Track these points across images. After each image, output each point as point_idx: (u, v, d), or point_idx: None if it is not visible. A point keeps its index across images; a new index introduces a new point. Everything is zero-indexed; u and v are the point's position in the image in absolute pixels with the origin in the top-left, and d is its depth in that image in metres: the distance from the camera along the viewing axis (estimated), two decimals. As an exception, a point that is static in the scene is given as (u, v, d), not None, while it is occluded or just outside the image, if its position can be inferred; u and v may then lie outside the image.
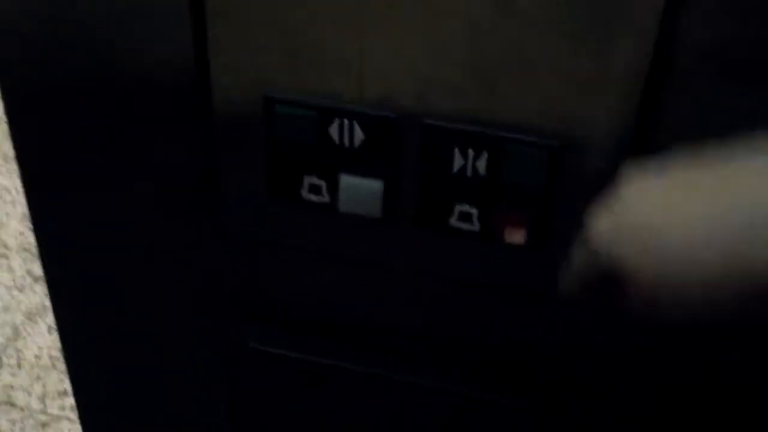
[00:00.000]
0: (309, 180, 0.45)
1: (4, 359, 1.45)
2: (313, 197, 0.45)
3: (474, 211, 0.44)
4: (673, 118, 0.39)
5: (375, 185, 0.44)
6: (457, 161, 0.42)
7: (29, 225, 1.57)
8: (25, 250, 1.63)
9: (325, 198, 0.45)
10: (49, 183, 0.51)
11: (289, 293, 0.51)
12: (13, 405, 1.39)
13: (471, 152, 0.42)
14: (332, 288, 0.50)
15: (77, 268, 0.54)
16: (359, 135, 0.42)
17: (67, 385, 1.41)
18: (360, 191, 0.44)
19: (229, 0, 0.40)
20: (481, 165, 0.42)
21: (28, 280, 1.58)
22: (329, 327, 0.52)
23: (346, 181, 0.44)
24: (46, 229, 0.53)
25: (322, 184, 0.44)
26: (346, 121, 0.42)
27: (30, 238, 1.63)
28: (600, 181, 0.40)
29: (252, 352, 0.55)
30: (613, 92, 0.38)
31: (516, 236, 0.44)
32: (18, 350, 1.46)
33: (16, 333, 1.48)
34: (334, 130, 0.42)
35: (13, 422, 1.36)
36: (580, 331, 0.47)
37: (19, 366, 1.44)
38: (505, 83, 0.39)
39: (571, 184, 0.41)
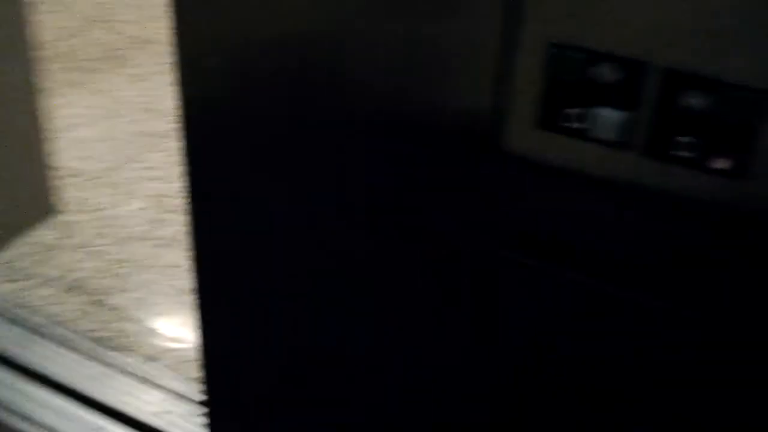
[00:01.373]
0: (571, 111, 0.63)
1: None
2: (573, 125, 0.63)
3: (691, 141, 0.60)
4: None
5: (620, 115, 0.61)
6: (683, 99, 0.59)
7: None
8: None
9: (582, 125, 0.63)
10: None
11: (541, 213, 0.69)
12: None
13: (696, 93, 0.58)
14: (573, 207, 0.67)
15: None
16: (614, 74, 0.60)
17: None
18: (608, 120, 0.62)
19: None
20: (701, 103, 0.58)
21: None
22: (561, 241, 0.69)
23: (600, 111, 0.62)
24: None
25: (583, 112, 0.62)
26: (606, 63, 0.60)
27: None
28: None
29: (504, 262, 0.73)
30: None
31: (722, 163, 0.60)
32: None
33: None
34: (596, 70, 0.60)
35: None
36: None
37: None
38: (726, 42, 0.56)
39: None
